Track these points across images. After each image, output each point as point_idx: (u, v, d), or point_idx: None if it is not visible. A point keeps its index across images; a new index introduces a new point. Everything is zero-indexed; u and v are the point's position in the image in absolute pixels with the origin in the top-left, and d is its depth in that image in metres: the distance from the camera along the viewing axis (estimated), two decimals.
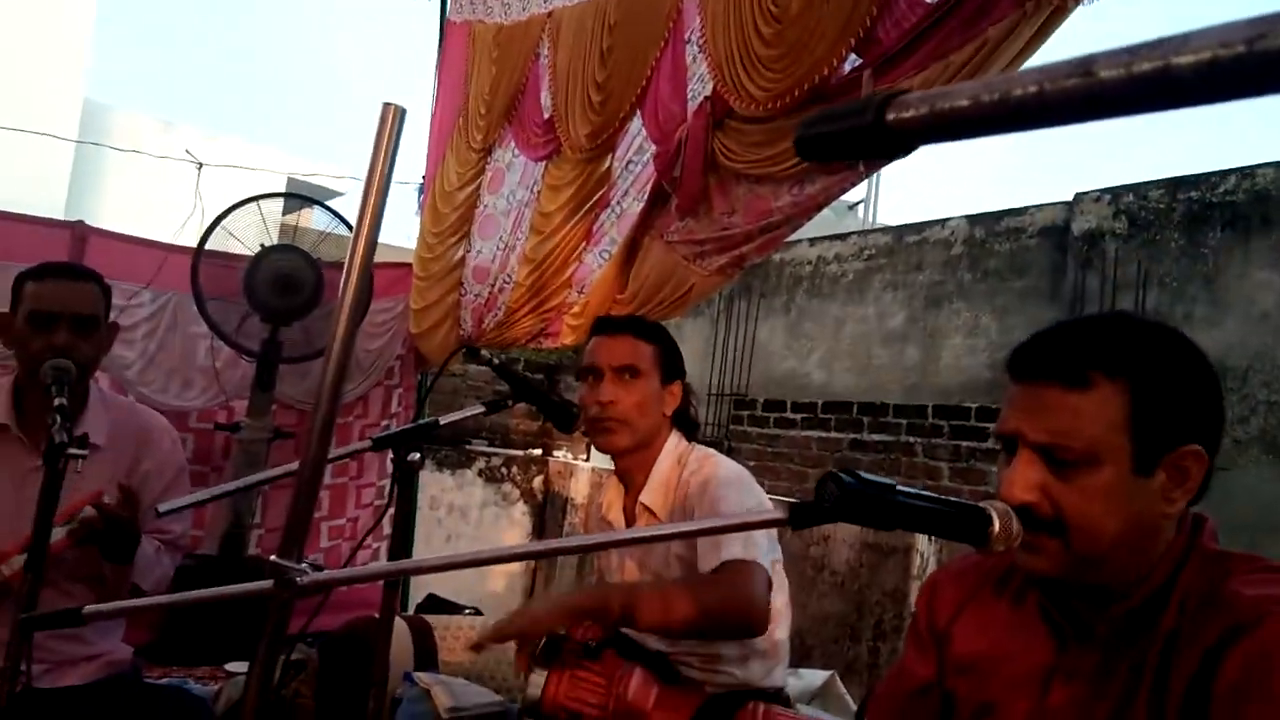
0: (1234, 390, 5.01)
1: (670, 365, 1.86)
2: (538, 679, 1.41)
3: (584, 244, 3.56)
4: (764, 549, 1.61)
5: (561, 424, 1.72)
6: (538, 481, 5.78)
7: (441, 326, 4.14)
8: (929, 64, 2.17)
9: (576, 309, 3.66)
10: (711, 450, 1.87)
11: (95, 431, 1.81)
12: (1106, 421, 0.95)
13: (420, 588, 4.65)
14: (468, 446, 5.39)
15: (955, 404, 5.88)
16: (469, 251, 4.01)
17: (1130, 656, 0.97)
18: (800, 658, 3.77)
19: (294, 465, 0.94)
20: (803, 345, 7.57)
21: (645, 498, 1.80)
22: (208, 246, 3.72)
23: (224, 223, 3.79)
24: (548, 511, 5.78)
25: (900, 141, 0.43)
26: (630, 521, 1.83)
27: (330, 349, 0.88)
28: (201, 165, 3.58)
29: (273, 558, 0.83)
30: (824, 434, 6.50)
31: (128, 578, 1.83)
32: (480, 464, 5.50)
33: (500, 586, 5.57)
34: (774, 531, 1.78)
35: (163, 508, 1.30)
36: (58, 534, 1.58)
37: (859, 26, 2.30)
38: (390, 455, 4.12)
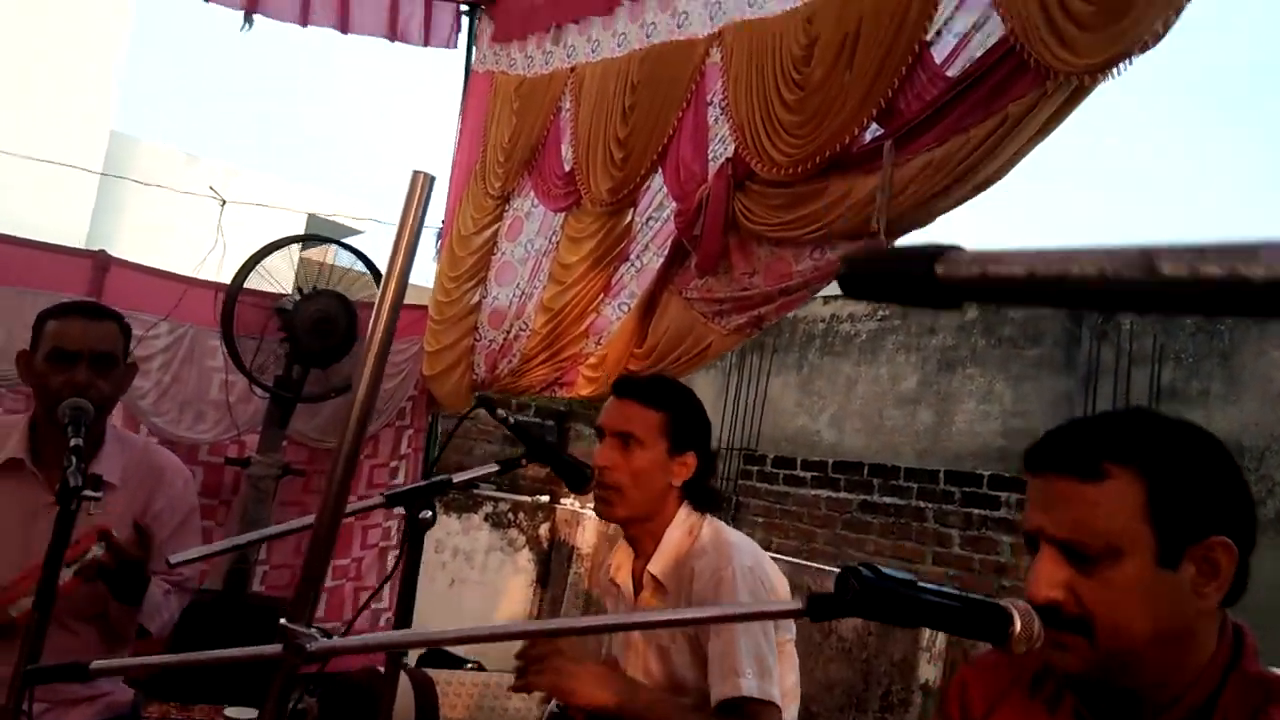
0: (1251, 470, 4.96)
1: (682, 434, 1.79)
2: None
3: (602, 295, 3.58)
4: (776, 676, 1.58)
5: (574, 485, 1.70)
6: (544, 529, 5.74)
7: (455, 370, 4.15)
8: (949, 137, 2.19)
9: (594, 360, 3.67)
10: (725, 528, 1.80)
11: (110, 470, 1.82)
12: (1125, 511, 0.93)
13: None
14: (475, 491, 5.38)
15: (968, 470, 5.84)
16: (485, 297, 4.03)
17: None
18: None
19: (309, 519, 0.93)
20: (814, 403, 7.55)
21: (654, 568, 1.76)
22: (225, 280, 3.76)
23: (248, 257, 3.83)
24: (553, 559, 5.73)
25: (949, 297, 0.42)
26: (639, 588, 1.80)
27: (345, 433, 0.88)
28: (225, 202, 3.62)
29: (283, 621, 0.82)
30: (833, 494, 6.45)
31: (135, 618, 1.82)
32: (487, 509, 5.48)
33: (505, 614, 5.51)
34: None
35: (175, 559, 1.30)
36: (65, 574, 1.58)
37: (880, 97, 2.32)
38: (402, 446, 4.11)
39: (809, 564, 4.22)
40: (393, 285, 0.83)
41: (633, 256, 3.42)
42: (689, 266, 3.04)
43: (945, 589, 0.83)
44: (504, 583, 5.41)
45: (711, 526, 1.78)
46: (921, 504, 5.85)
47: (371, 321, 0.83)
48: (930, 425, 6.64)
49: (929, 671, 3.76)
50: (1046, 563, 0.97)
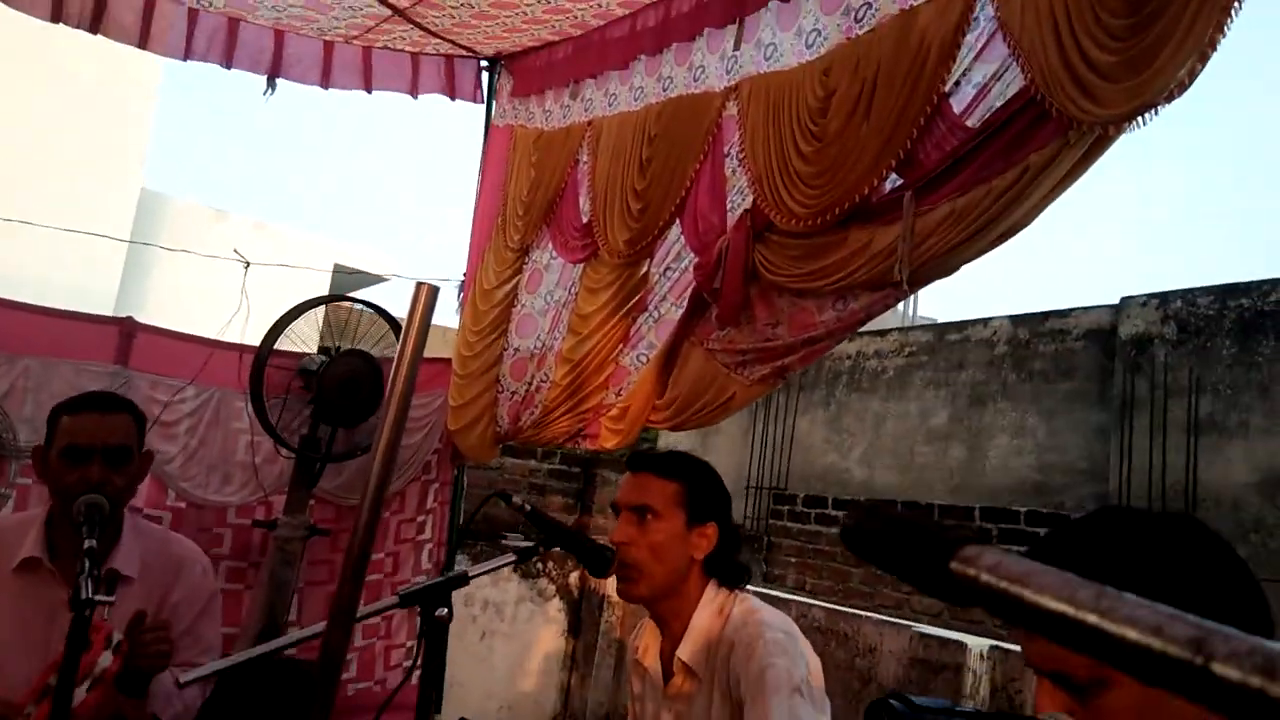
0: None
1: (700, 504, 1.73)
2: None
3: (621, 346, 3.56)
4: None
5: (596, 569, 1.66)
6: (574, 577, 5.69)
7: (479, 423, 4.13)
8: (970, 188, 2.16)
9: (615, 412, 3.64)
10: (758, 605, 1.73)
11: (127, 563, 1.80)
12: None
13: (453, 694, 4.56)
14: (503, 541, 5.34)
15: (1003, 506, 5.74)
16: (507, 349, 4.02)
17: None
18: None
19: (320, 627, 0.90)
20: (843, 440, 7.48)
21: (683, 653, 1.69)
22: (248, 341, 3.77)
23: (273, 316, 3.84)
24: (584, 608, 5.68)
25: (956, 592, 0.39)
26: (669, 673, 1.74)
27: (364, 496, 0.86)
28: (249, 265, 3.64)
29: None
30: None
31: (145, 710, 1.80)
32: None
33: (532, 686, 5.45)
34: (820, 684, 1.69)
35: (184, 678, 1.27)
36: (79, 694, 1.56)
37: (899, 148, 2.30)
38: (429, 500, 4.08)
39: (844, 609, 4.14)
40: (399, 390, 0.81)
41: (650, 307, 3.40)
42: (710, 318, 3.02)
43: (980, 711, 0.80)
44: (535, 633, 5.36)
45: (743, 605, 1.71)
46: None
47: (383, 409, 0.81)
48: (963, 461, 6.55)
49: None
50: (1045, 695, 0.94)
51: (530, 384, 3.90)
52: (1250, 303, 5.17)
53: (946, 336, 6.96)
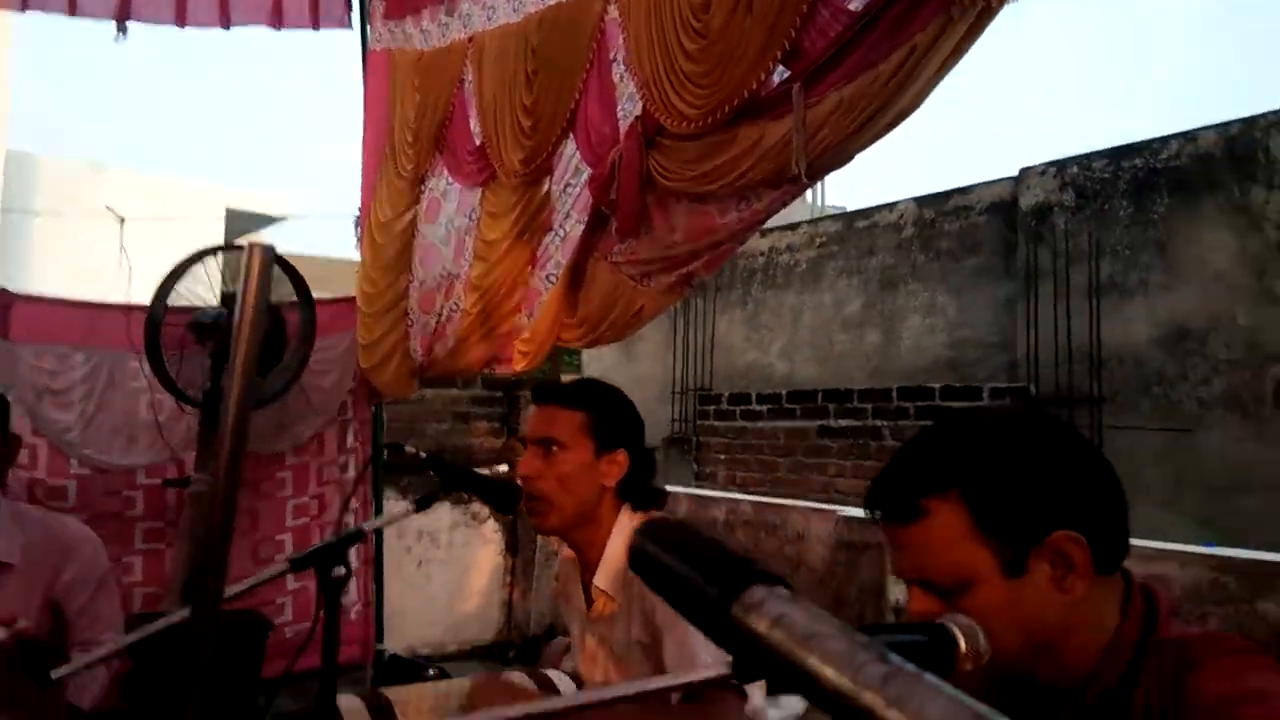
0: (1195, 353, 5.04)
1: (609, 432, 1.70)
2: None
3: (529, 268, 3.48)
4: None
5: (503, 506, 1.63)
6: None
7: (392, 359, 4.04)
8: (857, 74, 2.11)
9: (526, 334, 3.58)
10: None
11: (7, 551, 1.72)
12: (955, 543, 0.92)
13: (393, 624, 4.57)
14: (431, 474, 5.29)
15: (919, 385, 5.87)
16: (412, 282, 3.91)
17: None
18: None
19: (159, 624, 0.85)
20: (763, 336, 7.54)
21: (600, 581, 1.68)
22: (137, 300, 3.60)
23: (163, 270, 3.66)
24: (519, 526, 5.69)
25: (735, 643, 0.36)
26: (590, 601, 1.73)
27: (216, 478, 0.80)
28: (124, 220, 3.44)
29: None
30: (791, 424, 6.46)
31: (59, 698, 1.73)
32: None
33: (474, 606, 5.48)
34: None
35: (56, 673, 1.21)
36: None
37: (784, 38, 2.24)
38: (348, 439, 3.99)
39: (771, 501, 4.21)
40: (241, 361, 0.75)
41: (555, 226, 3.32)
42: (611, 231, 2.96)
43: (878, 626, 0.81)
44: (473, 556, 5.38)
45: None
46: (878, 423, 5.88)
47: (223, 408, 0.75)
48: (879, 345, 6.66)
49: (898, 592, 3.78)
50: (916, 601, 0.96)
51: (440, 315, 3.80)
52: (1144, 162, 5.28)
53: (855, 224, 7.00)
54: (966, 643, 0.83)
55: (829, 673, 0.31)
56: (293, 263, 4.06)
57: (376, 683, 3.67)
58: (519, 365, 3.61)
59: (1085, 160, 5.54)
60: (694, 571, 0.37)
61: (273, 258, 0.73)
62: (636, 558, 0.40)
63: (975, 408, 5.20)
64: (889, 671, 0.30)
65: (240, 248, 4.04)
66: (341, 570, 1.18)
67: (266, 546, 4.13)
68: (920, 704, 0.28)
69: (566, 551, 1.81)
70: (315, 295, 4.04)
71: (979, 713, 0.28)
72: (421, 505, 1.48)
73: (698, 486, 6.81)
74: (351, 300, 4.16)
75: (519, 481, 1.66)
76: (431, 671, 2.87)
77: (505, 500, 1.61)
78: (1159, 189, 5.19)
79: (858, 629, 0.84)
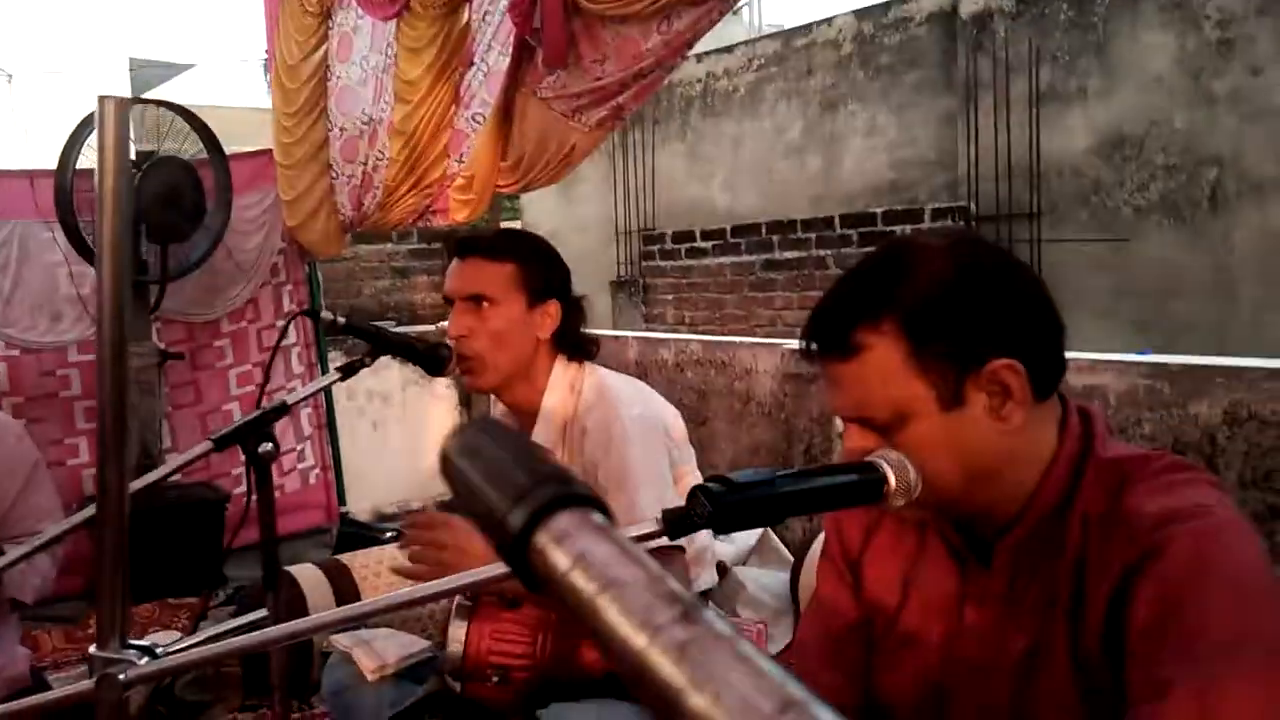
0: (1132, 159, 5.03)
1: (539, 282, 1.62)
2: (457, 633, 1.34)
3: (454, 108, 3.32)
4: (670, 497, 1.50)
5: (432, 369, 1.56)
6: None
7: (319, 215, 3.88)
8: None
9: (461, 183, 3.44)
10: (609, 375, 1.67)
11: None
12: (891, 375, 0.90)
13: (354, 487, 4.59)
14: (376, 336, 5.20)
15: (860, 210, 5.83)
16: (331, 129, 3.71)
17: (1039, 582, 0.92)
18: None
19: (91, 510, 0.80)
20: (704, 169, 7.40)
21: (538, 437, 1.62)
22: (38, 165, 3.38)
23: (65, 134, 3.42)
24: None
25: (531, 577, 0.31)
26: None
27: (101, 319, 0.73)
28: (11, 76, 3.17)
29: (92, 649, 0.70)
30: (736, 258, 6.42)
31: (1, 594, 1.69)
32: None
33: (432, 462, 5.51)
34: (681, 437, 1.68)
35: None
36: None
37: None
38: (284, 302, 3.90)
39: (719, 339, 4.21)
40: (108, 222, 0.67)
41: (477, 60, 3.14)
42: (537, 63, 2.80)
43: (808, 470, 0.80)
44: (426, 414, 5.35)
45: (593, 377, 1.65)
46: (821, 252, 5.86)
47: (97, 274, 0.67)
48: (820, 170, 6.57)
49: None
50: (852, 438, 0.95)
51: (365, 164, 3.63)
52: None
53: (793, 43, 6.77)
54: (896, 479, 0.83)
55: (622, 632, 0.27)
56: (206, 115, 3.83)
57: (340, 547, 3.69)
58: (460, 215, 3.49)
59: None
60: (495, 490, 0.33)
61: (126, 113, 0.64)
62: (443, 466, 0.36)
63: (910, 235, 5.19)
64: (691, 637, 0.26)
65: (148, 101, 3.79)
66: (269, 445, 1.13)
67: (215, 418, 4.06)
68: (721, 678, 0.25)
69: (500, 408, 1.76)
70: (232, 150, 3.83)
71: (787, 691, 0.24)
72: (346, 373, 1.42)
73: (647, 328, 6.81)
74: (269, 153, 3.94)
75: (449, 342, 1.59)
76: (389, 534, 2.87)
77: (434, 363, 1.55)
78: None
79: (796, 472, 0.83)
